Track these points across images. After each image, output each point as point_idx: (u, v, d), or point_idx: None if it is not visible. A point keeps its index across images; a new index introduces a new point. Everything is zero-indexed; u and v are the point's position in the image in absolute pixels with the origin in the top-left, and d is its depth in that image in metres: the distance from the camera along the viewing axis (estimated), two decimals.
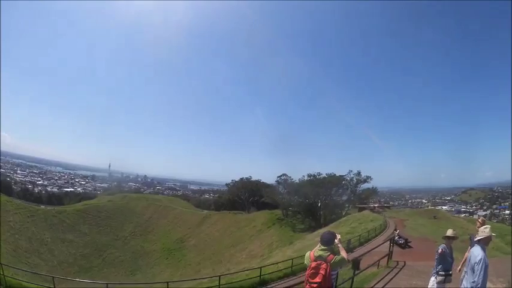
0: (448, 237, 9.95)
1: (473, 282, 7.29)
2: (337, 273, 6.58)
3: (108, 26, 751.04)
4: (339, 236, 6.63)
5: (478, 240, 7.70)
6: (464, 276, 8.06)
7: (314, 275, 6.03)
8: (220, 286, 25.43)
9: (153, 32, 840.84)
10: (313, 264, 6.12)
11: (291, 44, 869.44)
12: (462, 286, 8.07)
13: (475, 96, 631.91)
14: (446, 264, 9.75)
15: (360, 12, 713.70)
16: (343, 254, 6.27)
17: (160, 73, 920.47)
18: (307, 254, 6.44)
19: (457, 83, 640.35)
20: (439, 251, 9.73)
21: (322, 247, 6.28)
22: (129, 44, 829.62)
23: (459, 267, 9.43)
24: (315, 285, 5.94)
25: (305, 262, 6.43)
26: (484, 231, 7.72)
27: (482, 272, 7.22)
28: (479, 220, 10.07)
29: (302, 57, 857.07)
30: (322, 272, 5.97)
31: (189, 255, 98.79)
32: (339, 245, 6.48)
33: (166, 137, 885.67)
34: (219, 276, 27.55)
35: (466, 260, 8.42)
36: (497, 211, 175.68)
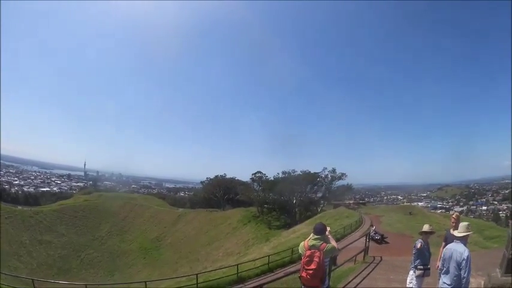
0: (425, 232, 10.49)
1: (464, 278, 7.85)
2: (329, 260, 7.97)
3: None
4: (329, 228, 7.82)
5: (462, 237, 8.25)
6: (444, 272, 8.45)
7: (309, 262, 7.07)
8: (198, 284, 27.08)
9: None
10: (308, 252, 7.13)
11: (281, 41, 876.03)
12: (444, 282, 8.42)
13: (455, 94, 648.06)
14: (424, 259, 10.28)
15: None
16: (334, 243, 7.36)
17: (138, 67, 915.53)
18: (302, 243, 7.50)
19: (438, 79, 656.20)
20: (417, 246, 10.28)
21: (315, 237, 7.31)
22: (109, 37, 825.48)
23: (438, 262, 9.88)
24: (310, 271, 6.97)
25: (300, 251, 7.51)
26: (468, 228, 8.32)
27: (469, 269, 7.84)
28: (454, 216, 11.05)
29: (279, 48, 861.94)
30: (316, 259, 6.99)
31: (166, 254, 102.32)
32: (329, 236, 7.61)
33: (140, 134, 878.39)
34: (196, 274, 28.60)
35: (442, 255, 8.87)
36: (474, 207, 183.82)
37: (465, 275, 7.82)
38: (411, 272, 10.55)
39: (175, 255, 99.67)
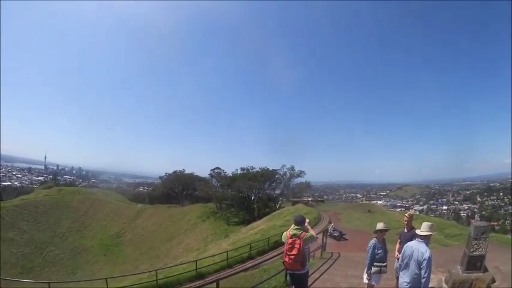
0: (381, 230, 10.96)
1: (423, 278, 8.27)
2: (308, 247, 10.24)
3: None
4: (308, 220, 10.14)
5: (424, 236, 8.78)
6: (403, 269, 8.94)
7: (291, 249, 9.16)
8: (158, 281, 28.89)
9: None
10: (290, 240, 9.22)
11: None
12: (404, 281, 8.82)
13: (415, 95, 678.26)
14: (379, 257, 10.74)
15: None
16: (312, 232, 9.63)
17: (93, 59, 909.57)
18: (284, 233, 9.67)
19: (395, 84, 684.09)
20: (370, 245, 10.73)
21: (296, 227, 9.48)
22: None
23: (396, 255, 11.41)
24: (292, 256, 9.09)
25: (283, 240, 9.67)
26: (431, 228, 8.85)
27: (429, 270, 8.30)
28: (407, 215, 11.99)
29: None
30: (297, 246, 9.06)
31: (126, 250, 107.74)
32: (308, 226, 9.92)
33: (100, 127, 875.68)
34: (156, 270, 30.96)
35: (402, 251, 9.28)
36: (435, 206, 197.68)
37: (425, 275, 8.31)
38: (367, 269, 10.86)
39: (135, 251, 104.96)
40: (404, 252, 9.06)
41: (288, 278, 11.56)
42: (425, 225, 9.12)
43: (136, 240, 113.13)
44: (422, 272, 8.33)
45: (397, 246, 12.11)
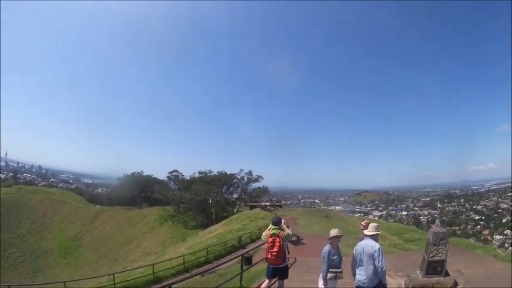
0: (336, 237, 11.73)
1: (379, 267, 9.94)
2: (286, 244, 13.36)
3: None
4: (284, 220, 13.21)
5: (371, 235, 10.66)
6: (358, 265, 10.58)
7: (272, 246, 11.78)
8: (116, 285, 30.52)
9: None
10: (270, 239, 11.86)
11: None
12: (360, 275, 10.46)
13: (375, 101, 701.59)
14: (334, 263, 11.48)
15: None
16: (288, 231, 12.52)
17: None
18: (264, 233, 12.32)
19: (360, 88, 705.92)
20: (325, 251, 11.48)
21: (274, 227, 12.12)
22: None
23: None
24: (274, 253, 11.77)
25: (263, 239, 12.50)
26: (377, 228, 10.85)
27: (382, 258, 10.04)
28: (363, 223, 13.25)
29: None
30: (277, 243, 11.69)
31: (85, 253, 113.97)
32: (284, 226, 12.83)
33: (62, 124, 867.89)
34: (113, 274, 32.62)
35: (354, 251, 10.92)
36: (394, 212, 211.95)
37: (380, 264, 9.95)
38: (321, 276, 11.59)
39: (94, 254, 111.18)
40: (356, 251, 10.73)
41: (268, 272, 13.14)
42: (371, 226, 11.07)
43: (95, 243, 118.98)
44: (376, 262, 9.99)
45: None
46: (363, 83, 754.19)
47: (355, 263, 10.79)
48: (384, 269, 10.11)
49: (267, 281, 13.18)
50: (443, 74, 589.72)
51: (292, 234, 15.03)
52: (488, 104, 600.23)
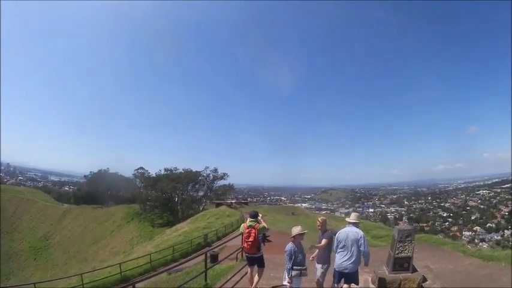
0: (299, 234, 12.26)
1: (364, 252, 11.48)
2: (262, 236, 14.77)
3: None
4: (261, 214, 14.47)
5: (353, 223, 12.36)
6: (339, 251, 12.00)
7: (248, 236, 13.27)
8: (85, 285, 31.75)
9: None
10: (247, 230, 13.40)
11: None
12: (344, 259, 11.79)
13: (345, 102, 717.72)
14: (298, 260, 11.96)
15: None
16: (264, 224, 13.93)
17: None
18: (242, 225, 14.03)
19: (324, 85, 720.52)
20: (288, 249, 11.97)
21: (251, 220, 13.69)
22: None
23: (313, 254, 13.54)
24: (250, 242, 13.25)
25: (240, 230, 14.09)
26: (358, 217, 12.74)
27: (366, 244, 11.59)
28: (320, 220, 13.70)
29: None
30: (253, 234, 13.19)
31: (55, 254, 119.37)
32: (261, 219, 14.02)
33: (28, 118, 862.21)
34: (81, 274, 33.90)
35: (336, 237, 12.33)
36: (361, 209, 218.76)
37: (366, 249, 11.45)
38: (286, 273, 12.01)
39: (64, 255, 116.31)
40: (338, 237, 12.19)
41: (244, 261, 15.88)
42: (353, 214, 12.88)
43: (64, 243, 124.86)
44: (362, 247, 11.54)
45: (315, 252, 13.62)
46: (332, 83, 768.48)
47: (337, 247, 12.24)
48: (368, 252, 11.71)
49: (249, 269, 14.60)
50: (414, 72, 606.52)
51: (267, 227, 14.86)
52: (460, 105, 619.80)
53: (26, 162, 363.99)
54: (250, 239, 13.35)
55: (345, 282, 12.15)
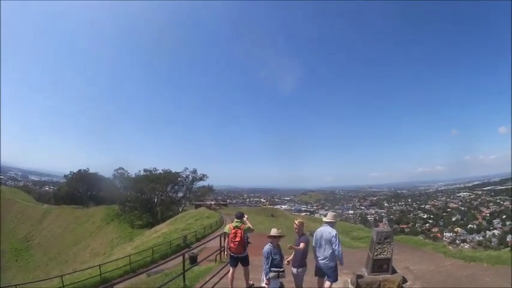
0: (274, 237, 13.16)
1: (336, 250, 12.33)
2: (247, 236, 15.47)
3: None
4: (246, 215, 15.50)
5: (329, 222, 13.11)
6: (317, 248, 13.13)
7: (235, 237, 14.29)
8: (65, 287, 32.63)
9: None
10: (233, 230, 14.39)
11: None
12: (319, 257, 12.97)
13: (324, 103, 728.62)
14: (275, 262, 12.73)
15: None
16: (249, 224, 15.18)
17: None
18: (228, 226, 14.95)
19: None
20: (266, 251, 12.85)
21: (237, 220, 14.72)
22: None
23: (289, 258, 13.64)
24: (236, 242, 14.26)
25: (226, 231, 14.90)
26: (334, 217, 13.38)
27: (339, 242, 12.44)
28: (297, 222, 13.80)
29: None
30: (239, 235, 14.21)
31: (36, 255, 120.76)
32: (247, 220, 15.20)
33: (7, 116, 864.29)
34: (61, 276, 34.60)
35: (314, 236, 13.38)
36: (340, 211, 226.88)
37: (337, 248, 12.34)
38: (264, 275, 12.71)
39: (45, 257, 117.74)
40: (315, 236, 13.25)
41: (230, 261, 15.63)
42: (330, 214, 13.64)
43: (45, 244, 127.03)
44: (334, 246, 12.41)
45: (291, 255, 13.74)
46: (308, 83, 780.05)
47: (315, 246, 13.32)
48: (340, 252, 12.47)
49: (231, 269, 15.22)
50: (395, 74, 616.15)
51: (252, 228, 15.70)
52: (441, 108, 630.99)
53: (6, 161, 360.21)
54: (237, 239, 14.50)
55: (325, 278, 13.15)
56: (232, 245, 14.56)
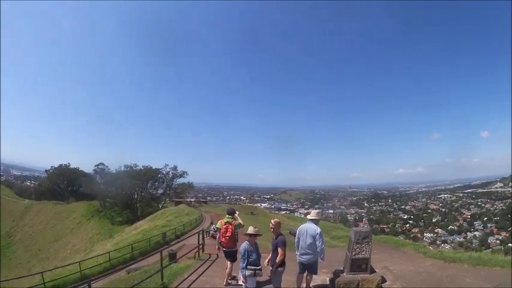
0: (250, 235, 13.58)
1: (319, 247, 13.04)
2: (237, 232, 16.29)
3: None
4: (237, 212, 16.85)
5: (313, 220, 13.79)
6: (301, 245, 13.73)
7: (226, 232, 15.55)
8: (46, 284, 31.73)
9: None
10: (224, 226, 15.73)
11: None
12: (302, 253, 13.61)
13: (306, 103, 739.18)
14: (252, 260, 13.17)
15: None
16: (240, 220, 16.26)
17: None
18: (219, 221, 16.19)
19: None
20: (243, 248, 13.23)
21: (228, 217, 15.97)
22: None
23: (267, 259, 14.02)
24: (227, 237, 15.53)
25: (218, 226, 16.23)
26: (318, 215, 14.11)
27: (322, 240, 13.10)
28: (273, 222, 13.92)
29: None
30: (230, 230, 15.48)
31: (17, 252, 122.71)
32: (238, 216, 16.53)
33: None
34: (42, 272, 33.67)
35: (297, 232, 13.96)
36: (320, 210, 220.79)
37: (320, 245, 13.06)
38: (241, 272, 13.17)
39: (26, 253, 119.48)
40: (299, 232, 13.85)
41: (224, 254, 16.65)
42: (313, 212, 14.34)
43: (26, 240, 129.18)
44: (317, 243, 13.12)
45: (269, 255, 14.06)
46: (300, 87, 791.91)
47: (297, 242, 14.06)
48: (323, 248, 13.37)
49: (228, 263, 16.16)
50: (380, 76, 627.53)
51: (243, 224, 16.41)
52: (423, 111, 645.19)
53: None
54: (228, 234, 15.77)
55: (306, 272, 14.11)
56: (223, 239, 16.02)
